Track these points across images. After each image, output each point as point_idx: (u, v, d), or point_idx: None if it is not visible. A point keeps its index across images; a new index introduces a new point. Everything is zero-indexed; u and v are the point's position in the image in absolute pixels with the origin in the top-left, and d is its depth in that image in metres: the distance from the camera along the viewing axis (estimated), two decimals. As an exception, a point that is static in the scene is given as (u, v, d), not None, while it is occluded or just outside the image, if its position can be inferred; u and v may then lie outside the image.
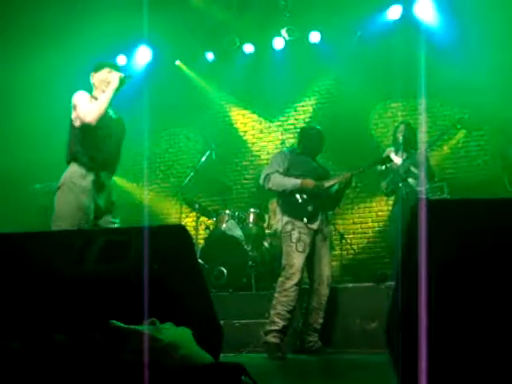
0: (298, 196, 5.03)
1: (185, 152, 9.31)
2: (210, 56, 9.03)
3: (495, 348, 1.63)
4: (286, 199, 5.08)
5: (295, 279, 4.82)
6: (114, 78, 4.11)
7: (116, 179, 9.12)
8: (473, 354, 1.64)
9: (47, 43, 8.18)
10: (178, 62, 9.22)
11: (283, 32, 8.61)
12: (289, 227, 4.97)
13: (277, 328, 4.76)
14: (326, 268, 5.02)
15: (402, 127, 6.23)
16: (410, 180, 6.01)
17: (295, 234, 4.90)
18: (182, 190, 7.20)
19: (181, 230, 2.17)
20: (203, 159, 7.29)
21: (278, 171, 5.09)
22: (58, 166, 4.30)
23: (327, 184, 5.12)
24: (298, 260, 4.85)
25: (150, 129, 8.12)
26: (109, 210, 4.15)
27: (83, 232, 2.85)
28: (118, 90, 4.11)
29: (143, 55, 9.01)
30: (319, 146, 5.36)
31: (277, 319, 4.78)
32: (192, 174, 7.28)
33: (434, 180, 6.36)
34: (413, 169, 5.99)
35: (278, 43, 8.70)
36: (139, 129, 8.06)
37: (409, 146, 6.12)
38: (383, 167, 5.62)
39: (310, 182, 5.03)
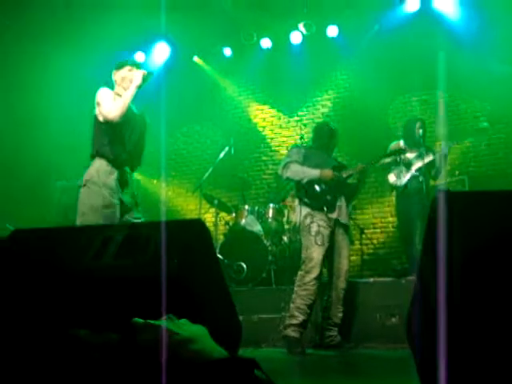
0: (316, 186, 5.03)
1: (203, 148, 9.32)
2: (227, 51, 9.03)
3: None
4: (304, 191, 5.08)
5: (315, 273, 4.82)
6: (137, 75, 4.15)
7: (136, 175, 9.20)
8: (493, 350, 1.62)
9: (65, 41, 8.24)
10: (195, 58, 9.23)
11: (300, 26, 8.58)
12: (308, 220, 4.96)
13: (296, 322, 4.76)
14: (345, 261, 5.02)
15: (419, 123, 6.17)
16: (421, 176, 5.98)
17: (314, 227, 4.90)
18: (201, 186, 7.20)
19: (199, 224, 2.17)
20: (222, 155, 7.28)
21: (296, 161, 5.11)
22: (79, 164, 4.33)
23: (345, 174, 5.12)
24: (317, 253, 4.85)
25: (168, 125, 8.12)
26: (133, 205, 4.18)
27: (102, 227, 2.86)
28: (140, 87, 4.15)
29: (161, 52, 9.04)
30: (332, 143, 5.38)
31: (296, 313, 4.77)
32: (211, 169, 7.28)
33: (455, 173, 6.31)
34: (424, 167, 5.96)
35: (296, 38, 8.67)
36: (157, 125, 8.10)
37: (423, 142, 6.10)
38: (397, 158, 5.57)
39: (329, 172, 5.04)
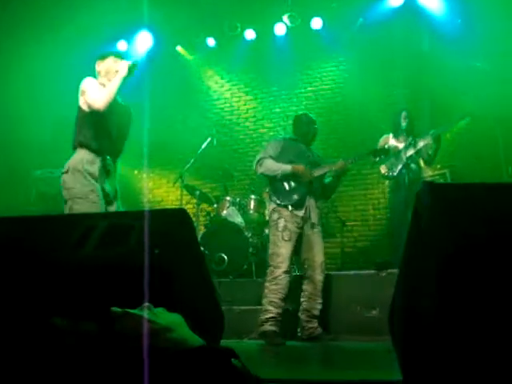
0: (285, 184, 5.06)
1: (185, 138, 9.27)
2: (211, 42, 8.98)
3: (500, 340, 1.61)
4: (274, 187, 5.14)
5: (283, 267, 4.87)
6: (122, 66, 4.13)
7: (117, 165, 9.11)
8: (477, 345, 1.62)
9: (44, 31, 8.14)
10: (178, 48, 9.17)
11: (285, 18, 8.56)
12: (275, 216, 5.03)
13: (271, 315, 4.81)
14: (319, 254, 5.04)
15: (404, 113, 6.22)
16: (413, 166, 6.01)
17: (281, 223, 4.97)
18: (183, 177, 7.17)
19: (182, 214, 2.15)
20: (204, 145, 7.26)
21: (270, 156, 5.15)
22: (59, 153, 4.29)
23: (317, 173, 5.14)
24: (284, 249, 4.91)
25: (150, 114, 8.08)
26: (115, 196, 4.17)
27: (83, 216, 2.83)
28: (125, 77, 4.12)
29: (144, 41, 8.96)
30: (311, 134, 5.40)
31: (270, 307, 4.80)
32: (193, 160, 7.25)
33: (437, 167, 6.34)
34: (415, 155, 5.99)
35: (280, 29, 8.65)
36: (140, 114, 8.03)
37: (411, 131, 6.13)
38: (376, 159, 5.58)
39: (300, 167, 5.06)
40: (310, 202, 5.11)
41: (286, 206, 4.99)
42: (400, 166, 6.02)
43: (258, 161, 5.17)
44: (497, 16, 7.15)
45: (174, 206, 8.65)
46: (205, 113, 9.16)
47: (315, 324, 4.96)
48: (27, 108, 8.45)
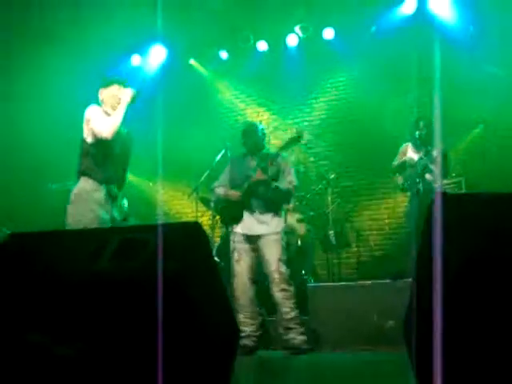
0: (224, 203, 5.35)
1: (199, 150, 9.28)
2: (223, 55, 9.01)
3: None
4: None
5: (241, 286, 5.00)
6: (125, 94, 4.17)
7: (131, 178, 9.17)
8: (489, 354, 1.61)
9: (60, 42, 8.23)
10: (192, 61, 9.22)
11: (297, 29, 8.59)
12: (230, 236, 5.22)
13: (245, 335, 4.87)
14: (274, 264, 4.97)
15: (422, 123, 6.19)
16: (428, 176, 5.97)
17: (232, 245, 5.13)
18: (198, 189, 7.18)
19: (196, 227, 2.16)
20: (218, 157, 7.27)
21: (221, 184, 5.38)
22: (73, 166, 4.33)
23: (235, 195, 5.18)
24: (238, 268, 5.03)
25: (164, 127, 8.12)
26: (124, 220, 4.20)
27: (98, 230, 2.85)
28: (128, 105, 4.17)
29: (157, 54, 9.03)
30: (259, 142, 5.40)
31: (241, 327, 4.81)
32: (207, 172, 7.26)
33: (452, 175, 6.31)
34: (430, 165, 5.95)
35: (292, 40, 8.67)
36: (153, 127, 8.08)
37: (427, 142, 6.07)
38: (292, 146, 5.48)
39: (230, 192, 5.26)
40: (248, 216, 5.12)
41: (226, 225, 5.42)
42: (415, 177, 5.99)
43: (212, 190, 5.52)
44: (509, 22, 7.13)
45: (189, 219, 8.67)
46: (218, 125, 9.18)
47: (293, 334, 4.90)
48: (41, 120, 8.53)
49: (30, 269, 2.13)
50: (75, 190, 4.05)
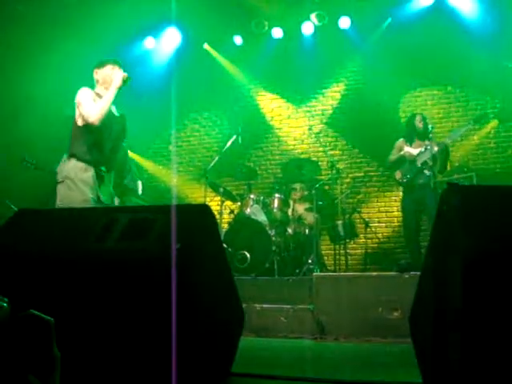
0: None
1: (211, 136, 9.30)
2: (238, 40, 8.96)
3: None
4: None
5: None
6: (117, 76, 4.15)
7: (143, 162, 9.15)
8: (503, 348, 1.59)
9: (71, 27, 8.18)
10: (206, 46, 9.18)
11: (312, 17, 8.53)
12: None
13: None
14: None
15: (419, 117, 6.32)
16: (426, 171, 6.04)
17: None
18: (207, 174, 7.18)
19: (205, 209, 2.15)
20: (229, 143, 7.25)
21: None
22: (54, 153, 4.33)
23: None
24: None
25: (177, 112, 8.11)
26: (111, 203, 4.22)
27: (107, 210, 2.84)
28: (120, 88, 4.15)
29: (172, 38, 8.99)
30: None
31: None
32: (217, 157, 7.25)
33: (464, 170, 6.34)
34: (429, 160, 6.01)
35: (308, 28, 8.62)
36: (166, 111, 8.07)
37: (426, 136, 6.17)
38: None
39: None
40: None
41: None
42: (414, 172, 6.11)
43: None
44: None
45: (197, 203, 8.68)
46: (230, 110, 9.16)
47: None
48: (57, 105, 8.49)
49: (37, 246, 2.12)
50: (64, 170, 4.05)
